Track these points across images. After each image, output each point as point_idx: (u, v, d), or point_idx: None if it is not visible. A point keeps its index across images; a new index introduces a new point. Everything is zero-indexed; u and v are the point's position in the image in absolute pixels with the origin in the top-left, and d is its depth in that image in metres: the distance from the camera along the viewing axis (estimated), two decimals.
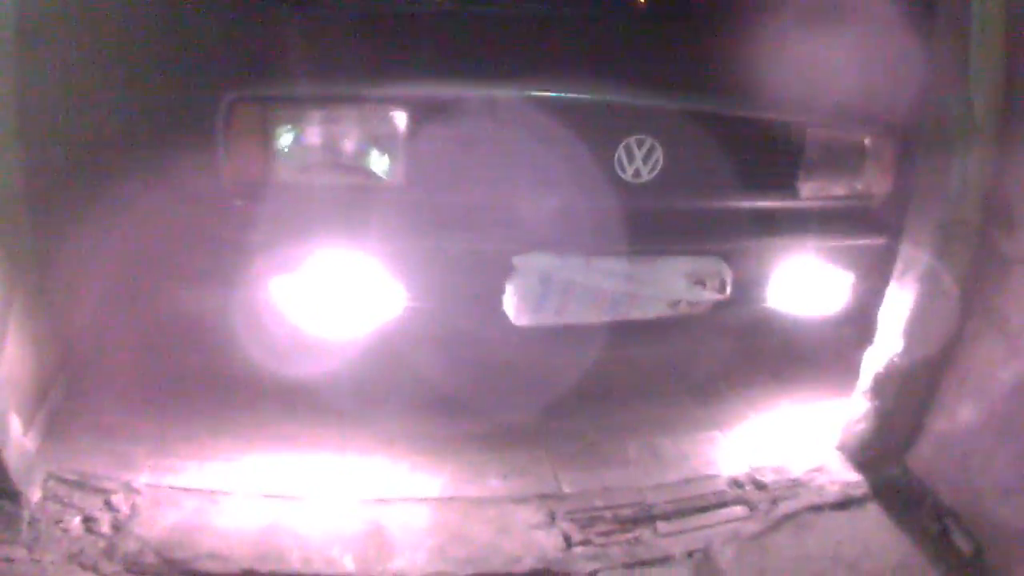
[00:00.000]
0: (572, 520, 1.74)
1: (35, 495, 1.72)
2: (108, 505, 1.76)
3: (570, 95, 1.70)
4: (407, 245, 1.68)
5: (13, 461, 1.65)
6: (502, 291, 1.68)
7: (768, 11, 2.53)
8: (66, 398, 2.01)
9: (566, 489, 1.82)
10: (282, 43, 1.84)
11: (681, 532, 1.74)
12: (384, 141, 1.66)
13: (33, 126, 1.85)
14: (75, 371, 2.07)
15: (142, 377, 2.06)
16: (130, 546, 1.60)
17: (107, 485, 1.79)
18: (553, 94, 1.69)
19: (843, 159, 1.95)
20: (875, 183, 2.00)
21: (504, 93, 1.68)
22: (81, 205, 2.04)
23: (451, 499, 1.78)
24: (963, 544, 1.74)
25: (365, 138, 1.66)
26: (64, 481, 1.80)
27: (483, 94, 1.68)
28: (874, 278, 1.98)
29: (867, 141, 1.97)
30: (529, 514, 1.75)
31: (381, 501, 1.77)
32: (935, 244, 1.84)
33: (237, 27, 1.91)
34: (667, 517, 1.78)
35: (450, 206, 1.68)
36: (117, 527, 1.68)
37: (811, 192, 1.93)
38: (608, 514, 1.77)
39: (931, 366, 1.87)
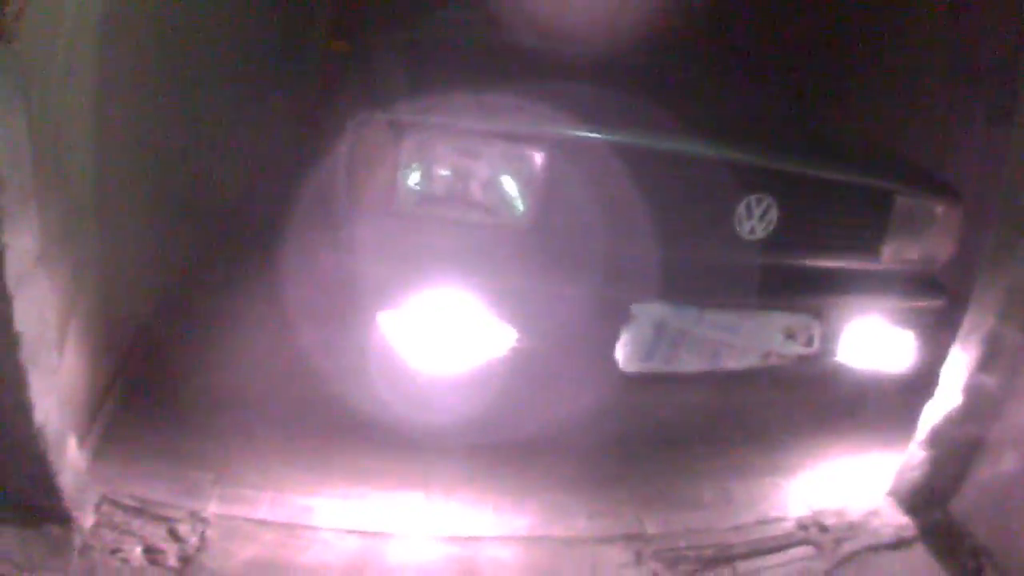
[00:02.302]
0: (659, 560, 1.78)
1: (88, 520, 1.61)
2: (173, 535, 1.66)
3: (702, 151, 1.73)
4: (527, 285, 1.66)
5: (66, 480, 1.52)
6: (615, 338, 1.68)
7: (869, 87, 2.66)
8: (121, 413, 1.87)
9: (650, 530, 1.86)
10: (417, 74, 1.77)
11: (758, 571, 1.81)
12: (515, 180, 1.63)
13: (109, 134, 1.72)
14: (131, 383, 1.93)
15: (208, 397, 1.94)
16: None
17: (171, 513, 1.69)
18: (686, 148, 1.72)
19: (919, 225, 2.05)
20: (941, 248, 2.11)
21: (638, 143, 1.69)
22: (142, 211, 1.91)
23: (540, 538, 1.79)
24: None
25: (497, 175, 1.61)
26: (120, 506, 1.69)
27: (618, 142, 1.68)
28: (931, 337, 2.09)
29: (939, 209, 2.07)
30: (617, 554, 1.78)
31: (471, 539, 1.74)
32: (1001, 307, 1.96)
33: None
34: (745, 557, 1.84)
35: (574, 251, 1.67)
36: (186, 559, 1.60)
37: (890, 255, 2.03)
38: (691, 554, 1.82)
39: (983, 420, 2.00)
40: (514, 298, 1.65)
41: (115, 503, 1.68)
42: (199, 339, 2.07)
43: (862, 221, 1.94)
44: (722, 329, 1.74)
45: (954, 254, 2.12)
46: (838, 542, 1.93)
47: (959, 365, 2.02)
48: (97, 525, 1.62)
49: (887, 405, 2.23)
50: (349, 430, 1.87)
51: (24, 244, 1.33)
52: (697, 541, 1.84)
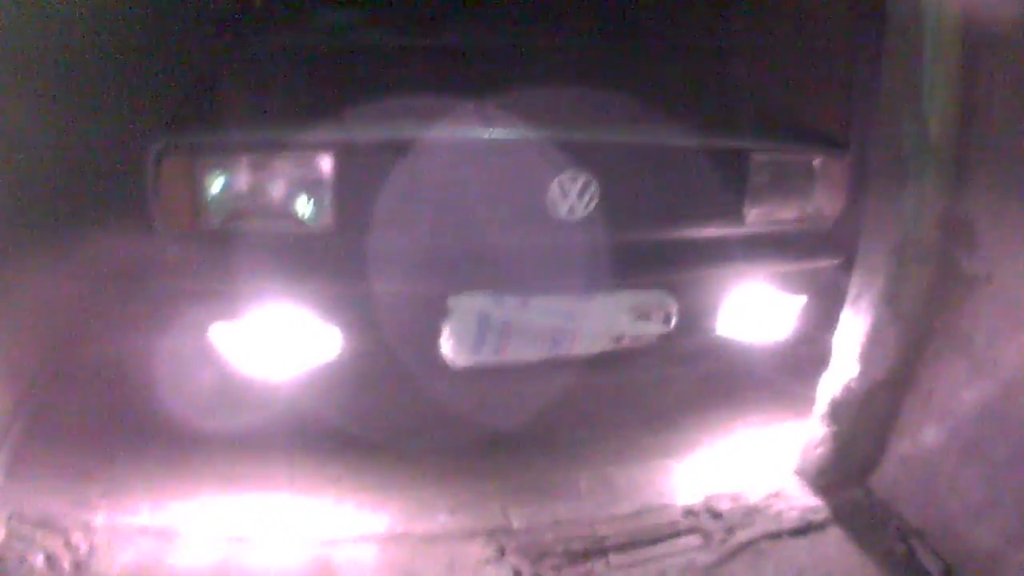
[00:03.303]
0: (522, 555, 1.73)
1: (0, 534, 1.76)
2: (68, 544, 1.78)
3: (498, 134, 1.65)
4: (339, 290, 1.66)
5: None
6: (438, 333, 1.65)
7: (703, 32, 2.46)
8: (25, 438, 2.03)
9: (515, 524, 1.80)
10: (209, 89, 1.81)
11: (634, 565, 1.72)
12: (311, 187, 1.63)
13: None
14: (33, 412, 2.09)
15: (95, 418, 2.08)
16: None
17: (67, 524, 1.82)
18: (480, 134, 1.65)
19: (791, 182, 1.88)
20: (826, 205, 1.93)
21: (429, 134, 1.64)
22: (27, 248, 2.05)
23: (399, 536, 1.78)
24: (931, 565, 1.70)
25: (291, 184, 1.63)
26: (27, 520, 1.82)
27: (409, 136, 1.63)
28: (828, 301, 1.93)
29: (816, 162, 1.89)
30: (478, 550, 1.74)
31: (330, 541, 1.77)
32: (890, 266, 1.80)
33: (164, 74, 1.89)
34: (619, 549, 1.75)
35: (380, 250, 1.64)
36: (77, 565, 1.72)
37: (758, 217, 1.87)
38: (559, 548, 1.75)
39: (890, 387, 1.83)
40: (333, 302, 1.65)
41: (22, 518, 1.83)
42: (87, 367, 2.21)
43: (711, 185, 1.79)
44: (554, 315, 1.67)
45: (847, 209, 1.94)
46: (730, 530, 1.81)
47: (852, 331, 1.87)
48: (8, 537, 1.77)
49: (788, 377, 2.07)
50: (220, 440, 1.94)
51: None
52: (567, 533, 1.76)
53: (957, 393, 1.72)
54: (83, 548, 1.76)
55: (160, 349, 1.79)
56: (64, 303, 2.15)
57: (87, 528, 1.80)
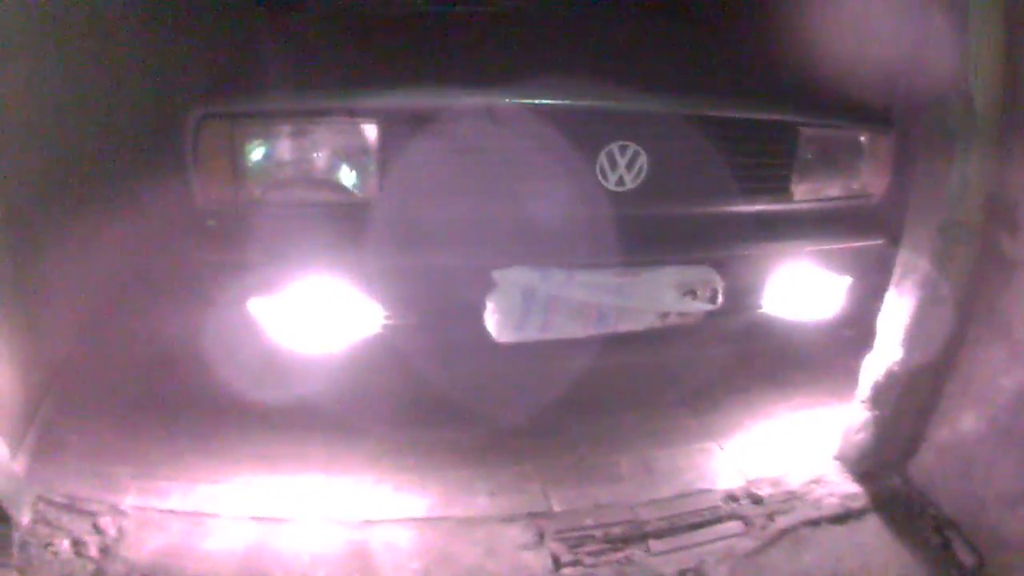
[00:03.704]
0: (561, 540, 1.70)
1: (25, 518, 1.72)
2: (96, 528, 1.75)
3: (546, 101, 1.63)
4: (382, 262, 1.62)
5: (2, 484, 1.65)
6: (482, 308, 1.62)
7: (752, 5, 2.46)
8: (54, 420, 2.00)
9: (555, 507, 1.78)
10: (250, 56, 1.80)
11: (674, 550, 1.69)
12: (355, 155, 1.60)
13: (3, 144, 1.82)
14: (62, 393, 2.06)
15: (126, 398, 2.04)
16: (118, 569, 1.60)
17: (94, 508, 1.79)
18: (528, 101, 1.62)
19: (838, 157, 1.86)
20: (872, 182, 1.91)
21: (477, 102, 1.61)
22: (59, 225, 2.02)
23: (437, 519, 1.75)
24: (965, 556, 1.69)
25: (335, 152, 1.61)
26: (53, 504, 1.79)
27: (454, 104, 1.61)
28: (874, 281, 1.91)
29: (863, 138, 1.87)
30: (517, 534, 1.71)
31: (366, 523, 1.73)
32: (935, 247, 1.77)
33: (206, 42, 1.87)
34: (659, 535, 1.72)
35: (425, 221, 1.62)
36: (105, 550, 1.68)
37: (805, 194, 1.84)
38: (598, 533, 1.72)
39: (932, 373, 1.81)
40: (376, 275, 1.63)
41: (49, 501, 1.80)
42: (119, 345, 2.17)
43: (759, 160, 1.76)
44: (600, 290, 1.64)
45: (893, 187, 1.92)
46: (771, 516, 1.78)
47: (896, 313, 1.84)
48: (34, 522, 1.73)
49: (832, 358, 2.04)
50: (256, 418, 1.91)
51: None
52: (607, 518, 1.74)
53: (995, 380, 1.69)
54: (111, 532, 1.73)
55: (197, 324, 1.76)
56: (97, 277, 2.12)
57: (116, 511, 1.77)
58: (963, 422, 1.76)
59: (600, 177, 1.63)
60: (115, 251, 2.24)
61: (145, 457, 1.90)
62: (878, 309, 1.87)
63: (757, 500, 1.82)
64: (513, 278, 1.61)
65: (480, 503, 1.79)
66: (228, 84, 1.67)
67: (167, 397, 2.03)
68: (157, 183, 1.87)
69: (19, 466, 1.79)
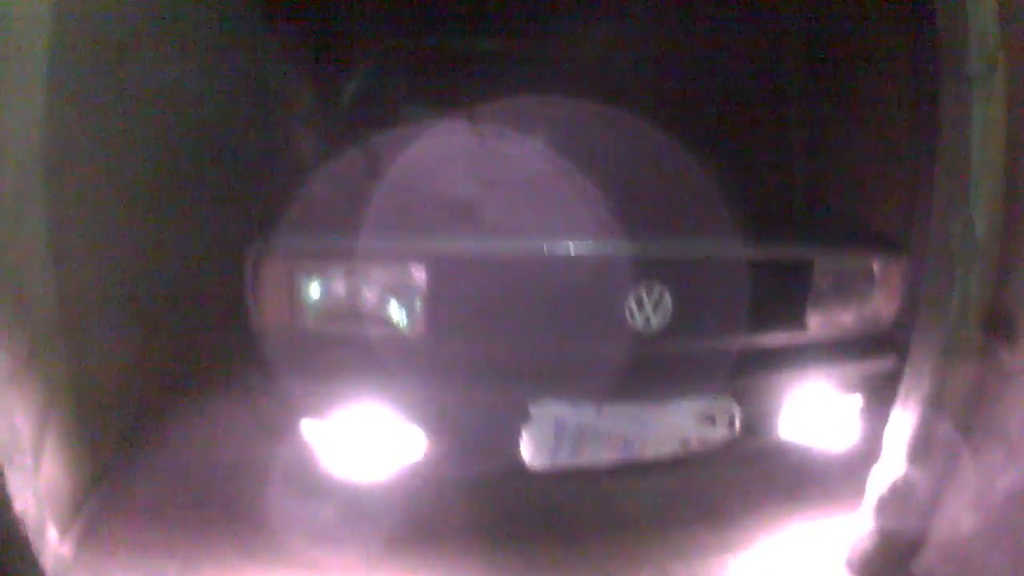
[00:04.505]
0: None
1: None
2: None
3: (579, 249, 1.75)
4: (426, 393, 1.74)
5: (50, 565, 1.73)
6: (518, 437, 1.74)
7: (769, 142, 2.60)
8: (102, 511, 2.10)
9: None
10: (308, 196, 1.91)
11: None
12: (403, 294, 1.72)
13: (66, 255, 1.94)
14: (111, 486, 2.17)
15: (177, 495, 2.14)
16: None
17: None
18: (563, 249, 1.75)
19: (852, 286, 1.97)
20: (884, 307, 2.01)
21: (516, 249, 1.75)
22: (114, 328, 2.14)
23: None
24: None
25: (385, 291, 1.72)
26: None
27: (496, 250, 1.74)
28: (882, 397, 2.03)
29: (876, 266, 1.99)
30: None
31: None
32: (937, 365, 1.87)
33: (261, 176, 1.99)
34: None
35: (468, 357, 1.74)
36: None
37: (819, 323, 1.94)
38: None
39: (934, 481, 1.91)
40: (419, 404, 1.73)
41: None
42: (172, 442, 2.28)
43: (777, 294, 1.88)
44: (626, 421, 1.76)
45: (903, 309, 2.03)
46: None
47: (901, 427, 1.96)
48: None
49: (838, 472, 2.15)
50: (302, 529, 1.99)
51: None
52: None
53: (992, 480, 1.80)
54: None
55: (249, 439, 1.86)
56: (151, 384, 2.24)
57: None
58: (961, 522, 1.85)
59: (628, 318, 1.74)
60: (170, 360, 2.37)
61: (190, 555, 1.98)
62: (885, 423, 1.99)
63: None
64: (547, 411, 1.72)
65: None
66: (287, 223, 1.79)
67: (217, 500, 2.13)
68: (215, 305, 1.99)
69: (66, 550, 1.88)
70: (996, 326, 1.95)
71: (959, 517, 1.89)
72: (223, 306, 1.89)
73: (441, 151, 2.21)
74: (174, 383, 2.48)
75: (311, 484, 1.82)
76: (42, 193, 1.90)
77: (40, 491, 1.75)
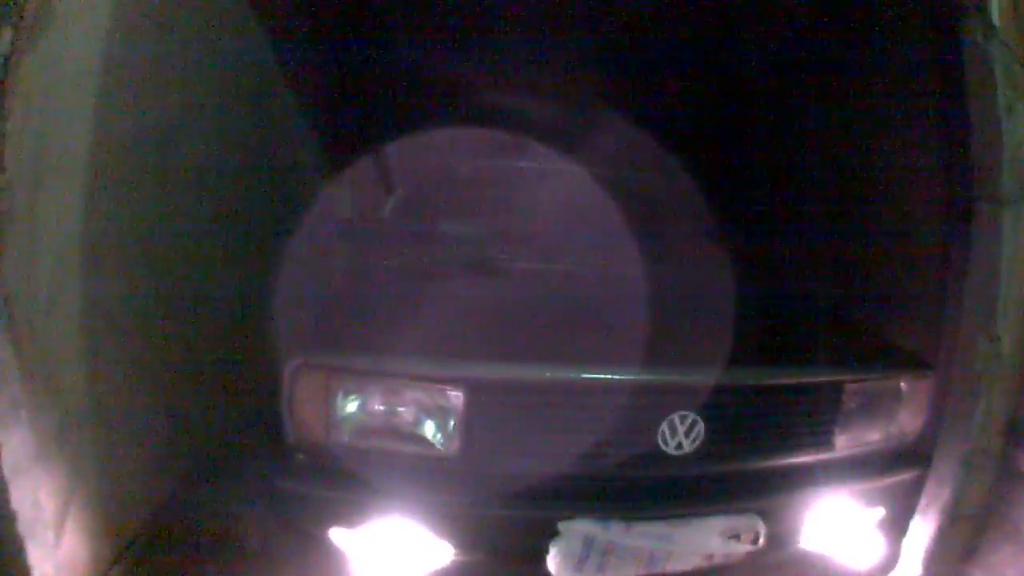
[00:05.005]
0: None
1: None
2: None
3: (616, 377, 1.81)
4: (457, 509, 1.78)
5: None
6: (545, 552, 1.76)
7: (797, 260, 2.64)
8: None
9: None
10: (348, 312, 1.96)
11: None
12: (439, 415, 1.76)
13: (98, 343, 1.97)
14: (131, 563, 2.18)
15: None
16: None
17: None
18: (598, 376, 1.81)
19: (879, 405, 2.00)
20: (910, 423, 2.05)
21: (553, 376, 1.80)
22: (141, 417, 2.17)
23: None
24: None
25: (420, 410, 1.76)
26: None
27: (533, 377, 1.79)
28: (903, 507, 2.06)
29: (904, 385, 2.02)
30: None
31: None
32: (958, 476, 1.95)
33: (300, 291, 2.02)
34: None
35: (500, 476, 1.78)
36: None
37: (846, 442, 1.98)
38: None
39: None
40: (449, 519, 1.77)
41: None
42: (194, 527, 2.30)
43: (806, 417, 1.92)
44: (653, 538, 1.78)
45: (927, 424, 2.06)
46: None
47: (920, 535, 2.01)
48: None
49: None
50: None
51: (17, 443, 1.59)
52: None
53: (1002, 572, 1.91)
54: None
55: (282, 543, 1.89)
56: (179, 465, 2.25)
57: None
58: None
59: (661, 443, 1.78)
60: (197, 447, 2.40)
61: None
62: (905, 531, 2.02)
63: None
64: (576, 529, 1.75)
65: None
66: (326, 338, 1.82)
67: None
68: (247, 398, 2.00)
69: None
70: (1015, 434, 1.99)
71: None
72: (253, 399, 1.91)
73: (479, 273, 2.26)
74: (201, 470, 2.51)
75: None
76: (78, 280, 1.94)
77: (60, 564, 1.78)
